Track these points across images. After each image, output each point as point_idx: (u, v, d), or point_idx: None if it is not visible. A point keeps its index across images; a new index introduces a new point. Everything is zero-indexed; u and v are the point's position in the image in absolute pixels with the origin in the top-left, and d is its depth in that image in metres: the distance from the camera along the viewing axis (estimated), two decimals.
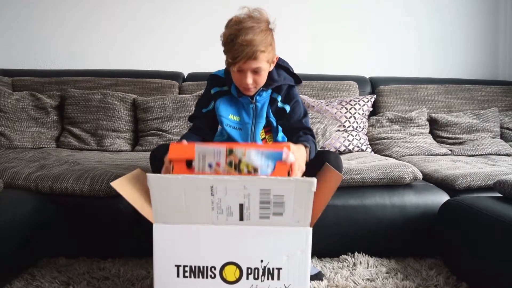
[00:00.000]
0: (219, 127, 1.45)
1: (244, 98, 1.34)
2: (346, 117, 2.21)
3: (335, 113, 2.22)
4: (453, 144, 2.28)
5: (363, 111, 2.27)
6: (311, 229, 0.91)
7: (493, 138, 2.28)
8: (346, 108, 2.24)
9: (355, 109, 2.24)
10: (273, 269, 0.91)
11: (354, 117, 2.22)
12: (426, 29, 2.77)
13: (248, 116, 1.37)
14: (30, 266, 1.38)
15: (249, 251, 0.91)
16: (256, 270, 0.92)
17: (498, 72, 2.80)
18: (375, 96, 2.39)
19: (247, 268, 0.91)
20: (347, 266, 1.45)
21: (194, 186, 0.87)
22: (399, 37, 2.76)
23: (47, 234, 1.39)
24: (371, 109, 2.37)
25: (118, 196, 1.47)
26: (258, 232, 0.91)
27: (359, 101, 2.28)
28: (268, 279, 0.92)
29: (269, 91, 1.35)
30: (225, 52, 1.24)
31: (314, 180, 0.85)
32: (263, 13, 1.25)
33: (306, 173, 1.27)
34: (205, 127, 1.40)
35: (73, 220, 1.47)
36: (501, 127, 2.36)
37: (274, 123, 1.39)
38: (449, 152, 2.19)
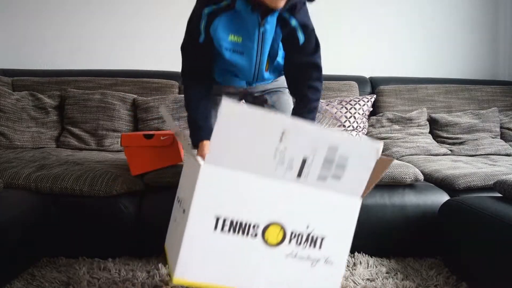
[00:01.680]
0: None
1: (252, 16, 1.12)
2: (346, 117, 2.21)
3: (335, 113, 2.22)
4: (453, 144, 2.28)
5: (363, 111, 2.27)
6: (361, 200, 0.87)
7: (493, 138, 2.28)
8: (346, 108, 2.24)
9: (355, 109, 2.24)
10: (317, 237, 0.86)
11: (354, 117, 2.22)
12: (426, 29, 2.77)
13: (252, 38, 1.15)
14: (30, 266, 1.38)
15: (297, 213, 0.85)
16: (300, 236, 0.85)
17: (498, 72, 2.80)
18: (375, 96, 2.39)
19: (292, 232, 0.84)
20: (347, 266, 1.45)
21: (265, 125, 0.77)
22: (399, 37, 2.76)
23: (47, 234, 1.40)
24: (371, 109, 2.37)
25: (118, 196, 1.47)
26: (311, 195, 0.84)
27: (359, 101, 2.28)
28: (310, 246, 0.86)
29: (277, 13, 1.13)
30: None
31: (381, 144, 0.82)
32: None
33: None
34: (206, 69, 1.25)
35: (73, 220, 1.47)
36: (501, 127, 2.36)
37: (276, 50, 1.23)
38: (449, 152, 2.19)
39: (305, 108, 1.27)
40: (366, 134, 2.30)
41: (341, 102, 2.26)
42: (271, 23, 1.14)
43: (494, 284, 1.13)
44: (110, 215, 1.47)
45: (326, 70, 2.61)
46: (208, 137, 1.12)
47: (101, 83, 2.35)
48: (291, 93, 1.38)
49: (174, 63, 2.63)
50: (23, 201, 1.33)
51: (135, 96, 2.28)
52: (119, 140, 1.53)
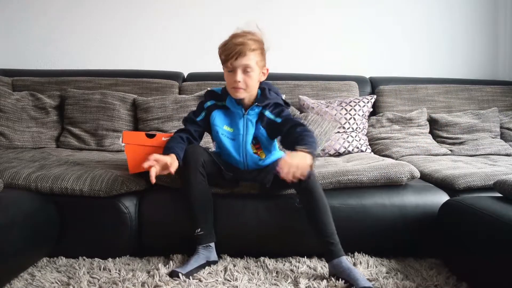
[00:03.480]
0: (214, 143, 1.59)
1: (238, 108, 1.47)
2: (346, 118, 2.21)
3: (335, 115, 2.21)
4: (453, 144, 2.28)
5: (363, 112, 2.27)
6: None
7: (493, 138, 2.28)
8: (346, 110, 2.23)
9: (355, 110, 2.24)
10: None
11: (354, 119, 2.22)
12: (427, 29, 2.77)
13: (240, 127, 1.48)
14: (30, 266, 1.38)
15: None
16: None
17: (498, 72, 2.80)
18: (375, 96, 2.39)
19: None
20: None
21: None
22: (399, 37, 2.76)
23: (47, 234, 1.39)
24: (371, 109, 2.37)
25: (118, 196, 1.47)
26: None
27: (359, 102, 2.28)
28: None
29: (260, 107, 1.47)
30: (220, 55, 1.41)
31: None
32: (258, 33, 1.42)
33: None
34: (195, 132, 1.51)
35: (73, 220, 1.47)
36: (501, 127, 2.36)
37: (263, 138, 1.49)
38: (449, 152, 2.19)
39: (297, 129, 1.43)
40: (366, 134, 2.30)
41: (341, 103, 2.26)
42: (252, 114, 1.47)
43: (494, 284, 1.13)
44: (110, 215, 1.47)
45: (326, 70, 2.64)
46: (176, 153, 1.37)
47: (101, 83, 2.36)
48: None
49: (174, 63, 2.64)
50: (23, 201, 1.33)
51: (135, 96, 2.28)
52: (120, 139, 1.54)
